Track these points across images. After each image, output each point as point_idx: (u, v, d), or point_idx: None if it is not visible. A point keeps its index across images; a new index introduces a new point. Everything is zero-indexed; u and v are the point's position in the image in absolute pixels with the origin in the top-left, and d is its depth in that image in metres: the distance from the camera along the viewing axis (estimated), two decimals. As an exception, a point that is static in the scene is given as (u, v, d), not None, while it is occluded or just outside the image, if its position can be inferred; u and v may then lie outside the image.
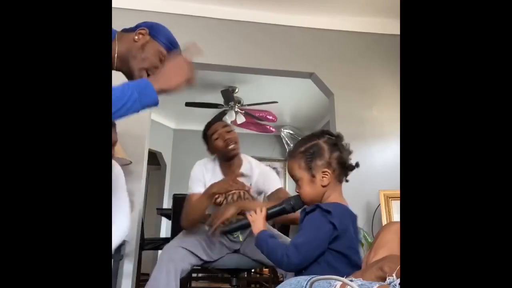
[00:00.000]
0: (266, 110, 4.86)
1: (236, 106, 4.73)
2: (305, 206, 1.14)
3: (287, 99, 4.81)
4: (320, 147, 1.09)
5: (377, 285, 0.66)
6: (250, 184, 1.78)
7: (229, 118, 4.77)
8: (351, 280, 0.68)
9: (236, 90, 4.58)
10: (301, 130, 5.86)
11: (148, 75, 1.20)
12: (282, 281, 1.51)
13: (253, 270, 3.44)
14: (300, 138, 1.14)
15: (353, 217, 1.11)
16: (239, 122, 4.80)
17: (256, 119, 5.00)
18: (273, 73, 3.08)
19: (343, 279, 0.67)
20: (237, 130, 6.30)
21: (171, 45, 1.24)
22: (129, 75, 1.21)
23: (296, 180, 1.12)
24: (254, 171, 1.84)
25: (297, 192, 1.14)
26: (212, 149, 1.86)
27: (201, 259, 1.72)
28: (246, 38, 2.96)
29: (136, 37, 1.21)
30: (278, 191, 1.80)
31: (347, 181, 1.16)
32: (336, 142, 1.13)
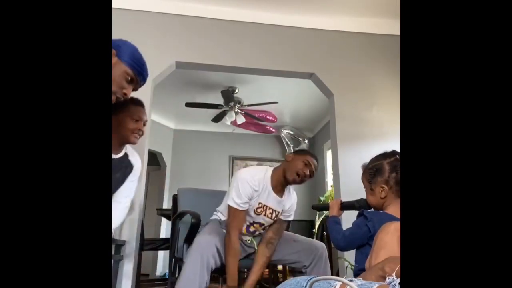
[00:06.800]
0: (266, 111, 4.86)
1: (236, 107, 4.72)
2: (362, 210, 1.40)
3: (287, 100, 4.81)
4: (382, 167, 1.33)
5: (377, 285, 0.66)
6: (282, 210, 1.94)
7: (229, 119, 4.76)
8: (351, 280, 0.68)
9: (236, 91, 4.58)
10: (301, 130, 5.86)
11: (117, 98, 1.21)
12: (281, 281, 1.53)
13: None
14: (297, 138, 1.37)
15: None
16: (239, 122, 4.80)
17: (256, 120, 4.99)
18: (273, 73, 3.07)
19: (343, 279, 0.67)
20: (237, 130, 6.24)
21: (136, 65, 1.26)
22: None
23: (364, 188, 1.39)
24: (291, 195, 2.00)
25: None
26: (289, 166, 1.87)
27: (221, 261, 1.76)
28: (246, 39, 2.96)
29: None
30: (283, 222, 1.96)
31: None
32: (398, 164, 1.36)
